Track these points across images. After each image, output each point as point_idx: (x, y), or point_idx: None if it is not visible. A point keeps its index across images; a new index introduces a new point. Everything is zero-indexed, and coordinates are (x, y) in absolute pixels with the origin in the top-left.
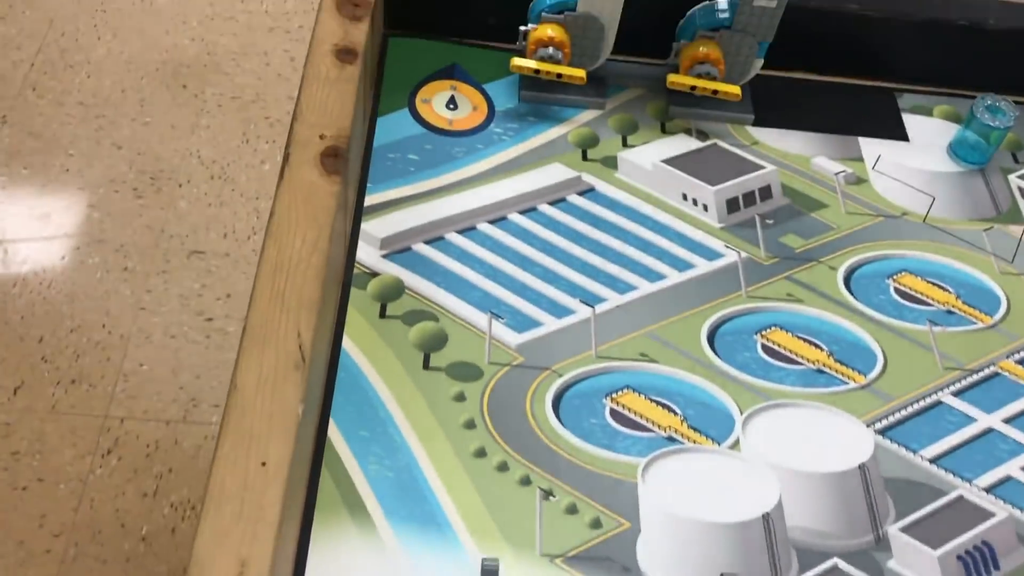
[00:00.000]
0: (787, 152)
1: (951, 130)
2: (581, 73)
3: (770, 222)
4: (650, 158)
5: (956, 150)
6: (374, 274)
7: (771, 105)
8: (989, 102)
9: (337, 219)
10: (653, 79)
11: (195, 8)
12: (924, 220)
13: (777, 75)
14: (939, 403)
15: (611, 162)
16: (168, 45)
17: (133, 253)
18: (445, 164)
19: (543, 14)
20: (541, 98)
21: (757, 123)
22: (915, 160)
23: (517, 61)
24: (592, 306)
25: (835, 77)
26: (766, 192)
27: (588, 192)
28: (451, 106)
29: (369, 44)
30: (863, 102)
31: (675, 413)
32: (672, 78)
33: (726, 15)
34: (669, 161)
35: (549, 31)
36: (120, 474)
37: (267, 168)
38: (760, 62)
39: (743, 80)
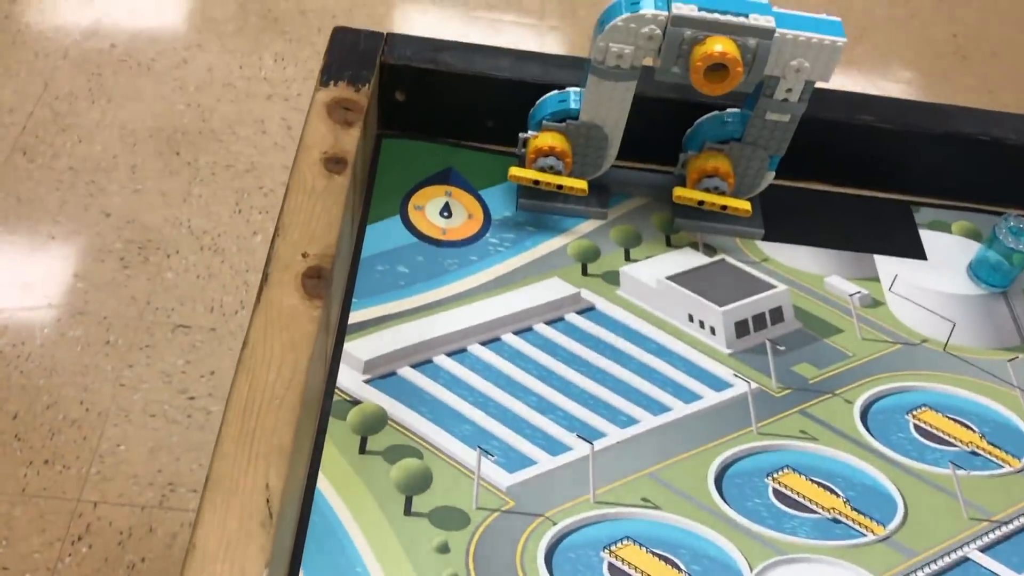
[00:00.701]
0: (799, 270)
1: (971, 248)
2: (583, 185)
3: (782, 348)
4: (654, 274)
5: (977, 271)
6: (355, 402)
7: (782, 217)
8: (1012, 223)
9: (318, 342)
10: (658, 188)
11: (193, 73)
12: (944, 348)
13: (788, 185)
14: (965, 559)
15: (613, 277)
16: (163, 110)
17: (116, 326)
18: (437, 278)
19: (544, 122)
20: (539, 207)
21: (767, 237)
22: (933, 281)
23: (515, 171)
24: (591, 442)
25: (849, 188)
26: (777, 314)
27: (588, 311)
28: (445, 214)
29: (360, 151)
30: (878, 216)
31: (679, 569)
32: (678, 192)
33: (736, 127)
34: (674, 278)
35: (550, 140)
36: (90, 564)
37: (259, 240)
38: (771, 175)
39: (753, 193)
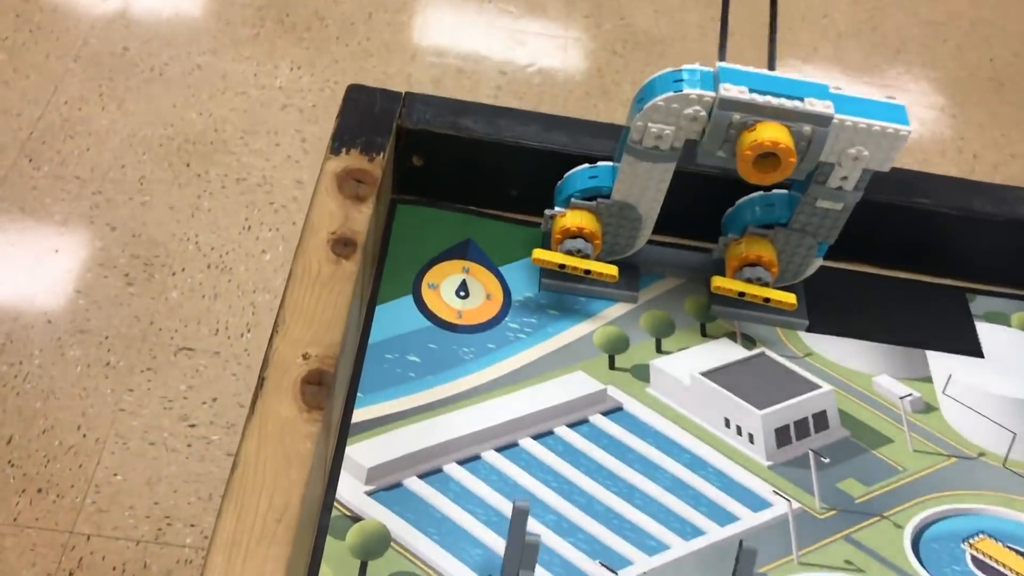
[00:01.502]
0: (845, 367)
1: None
2: (613, 271)
3: (826, 460)
4: (688, 369)
5: None
6: (356, 518)
7: (826, 303)
8: None
9: (316, 457)
10: (693, 268)
11: (206, 81)
12: (1004, 463)
13: (833, 267)
14: None
15: (643, 372)
16: (175, 119)
17: (118, 347)
18: (450, 369)
19: (572, 199)
20: (564, 287)
21: (811, 328)
22: (991, 383)
23: (540, 254)
24: (615, 572)
25: (898, 271)
26: (822, 420)
27: (615, 412)
28: (462, 293)
29: (372, 228)
30: (930, 305)
31: None
32: (717, 282)
33: (782, 212)
34: (710, 374)
35: (579, 220)
36: None
37: (267, 258)
38: (819, 262)
39: (797, 279)
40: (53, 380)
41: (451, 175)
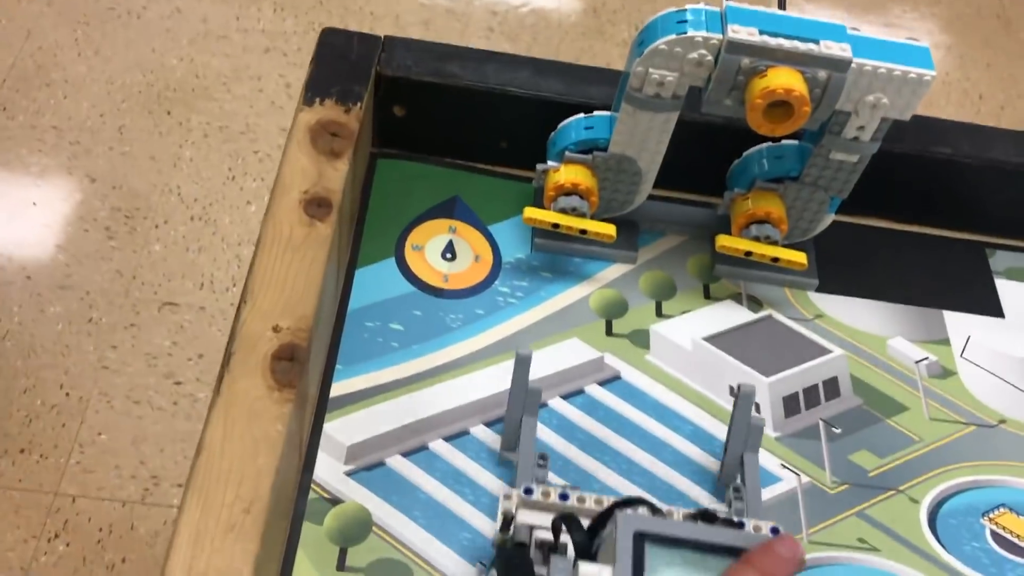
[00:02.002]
0: (857, 329)
1: None
2: (611, 231)
3: (837, 431)
4: (690, 334)
5: None
6: (335, 500)
7: (838, 261)
8: None
9: (289, 441)
10: (696, 225)
11: (186, 24)
12: None
13: (845, 221)
14: None
15: (642, 338)
16: (154, 65)
17: (100, 302)
18: (436, 337)
19: (567, 152)
20: (558, 248)
21: (821, 288)
22: (1012, 344)
23: (532, 213)
24: None
25: (914, 226)
26: (832, 387)
27: (612, 381)
28: (448, 255)
29: (349, 186)
30: (947, 261)
31: None
32: (722, 241)
33: (793, 164)
34: (713, 339)
35: (574, 176)
36: (67, 563)
37: (253, 209)
38: (830, 218)
39: (807, 236)
40: (34, 338)
41: (436, 126)
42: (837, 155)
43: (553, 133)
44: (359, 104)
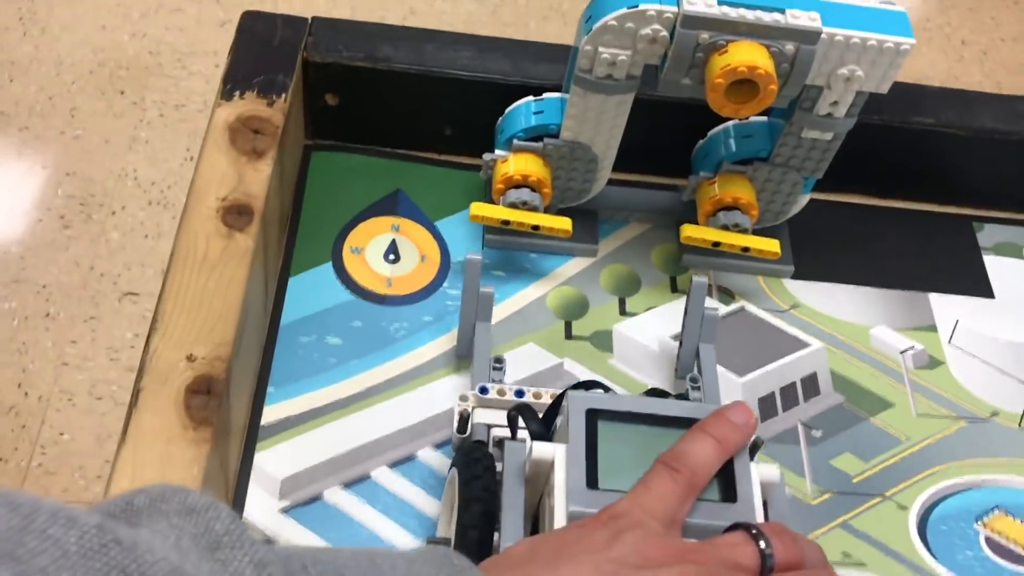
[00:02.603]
0: (837, 319)
1: None
2: (566, 225)
3: (817, 434)
4: (656, 333)
5: None
6: (269, 541)
7: (814, 244)
8: None
9: (206, 485)
10: (661, 211)
11: None
12: (1020, 424)
13: (821, 199)
14: None
15: (604, 340)
16: (105, 43)
17: (57, 296)
18: (378, 350)
19: (515, 141)
20: (511, 243)
21: (797, 275)
22: (1003, 327)
23: (478, 209)
24: None
25: (895, 200)
26: (812, 385)
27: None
28: (391, 256)
29: (275, 188)
30: (932, 238)
31: None
32: (688, 231)
33: (762, 144)
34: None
35: (523, 166)
36: None
37: None
38: (805, 199)
39: (780, 220)
40: None
41: (373, 114)
42: (810, 133)
43: (500, 119)
44: (284, 95)
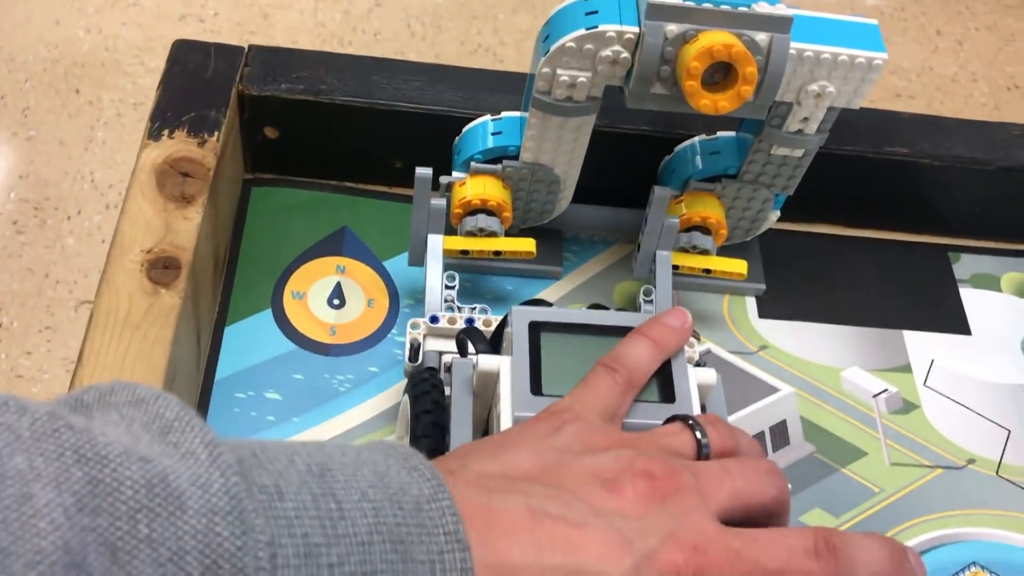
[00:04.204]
0: (808, 360)
1: None
2: (529, 247)
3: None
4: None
5: None
6: None
7: (786, 278)
8: None
9: None
10: (625, 230)
11: None
12: (997, 471)
13: (789, 230)
14: None
15: None
16: (58, 39)
17: (10, 305)
18: (321, 406)
19: (472, 163)
20: (471, 266)
21: (766, 313)
22: (980, 366)
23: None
24: None
25: (867, 230)
26: (781, 433)
27: None
28: (336, 301)
29: (207, 236)
30: (908, 271)
31: None
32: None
33: (730, 159)
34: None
35: (482, 190)
36: None
37: None
38: (775, 215)
39: (750, 236)
40: None
41: (316, 147)
42: (780, 150)
43: (458, 138)
44: (216, 133)
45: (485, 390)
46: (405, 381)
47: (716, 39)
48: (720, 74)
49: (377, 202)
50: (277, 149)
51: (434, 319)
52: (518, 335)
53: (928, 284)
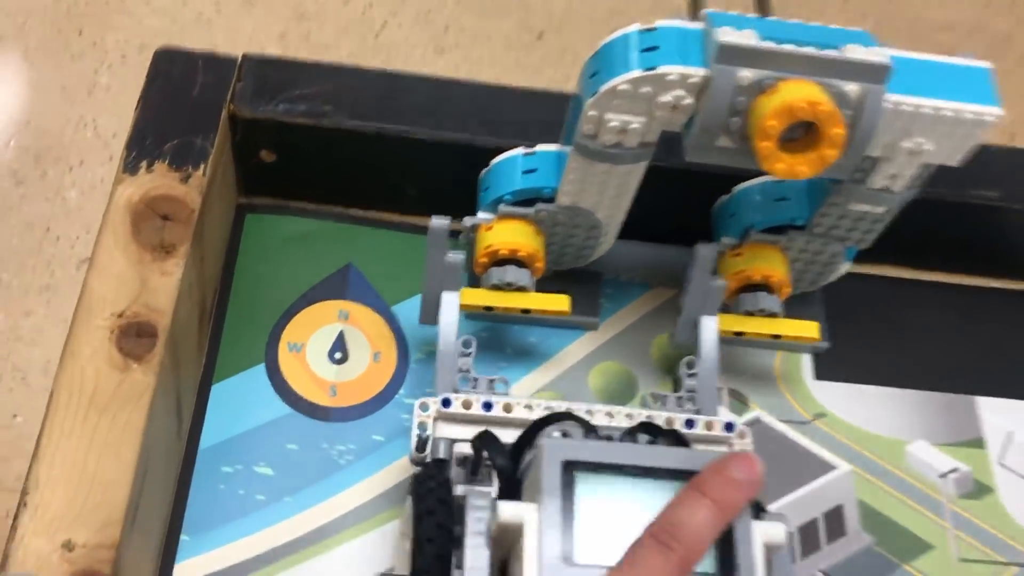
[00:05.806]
0: (868, 432)
1: None
2: (563, 306)
3: None
4: None
5: None
6: None
7: (845, 331)
8: None
9: None
10: (670, 275)
11: None
12: None
13: (851, 271)
14: None
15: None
16: None
17: (9, 262)
18: (318, 482)
19: (501, 206)
20: (491, 319)
21: (823, 375)
22: None
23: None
24: None
25: (942, 274)
26: (836, 522)
27: None
28: (337, 355)
29: (190, 292)
30: (985, 322)
31: None
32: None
33: (800, 209)
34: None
35: (511, 237)
36: None
37: None
38: (846, 266)
39: (815, 287)
40: None
41: (319, 171)
42: (859, 206)
43: (485, 171)
44: (202, 166)
45: (505, 537)
46: (410, 471)
47: (799, 93)
48: (800, 130)
49: (386, 233)
50: (274, 172)
51: (446, 402)
52: (548, 477)
53: (1008, 339)
